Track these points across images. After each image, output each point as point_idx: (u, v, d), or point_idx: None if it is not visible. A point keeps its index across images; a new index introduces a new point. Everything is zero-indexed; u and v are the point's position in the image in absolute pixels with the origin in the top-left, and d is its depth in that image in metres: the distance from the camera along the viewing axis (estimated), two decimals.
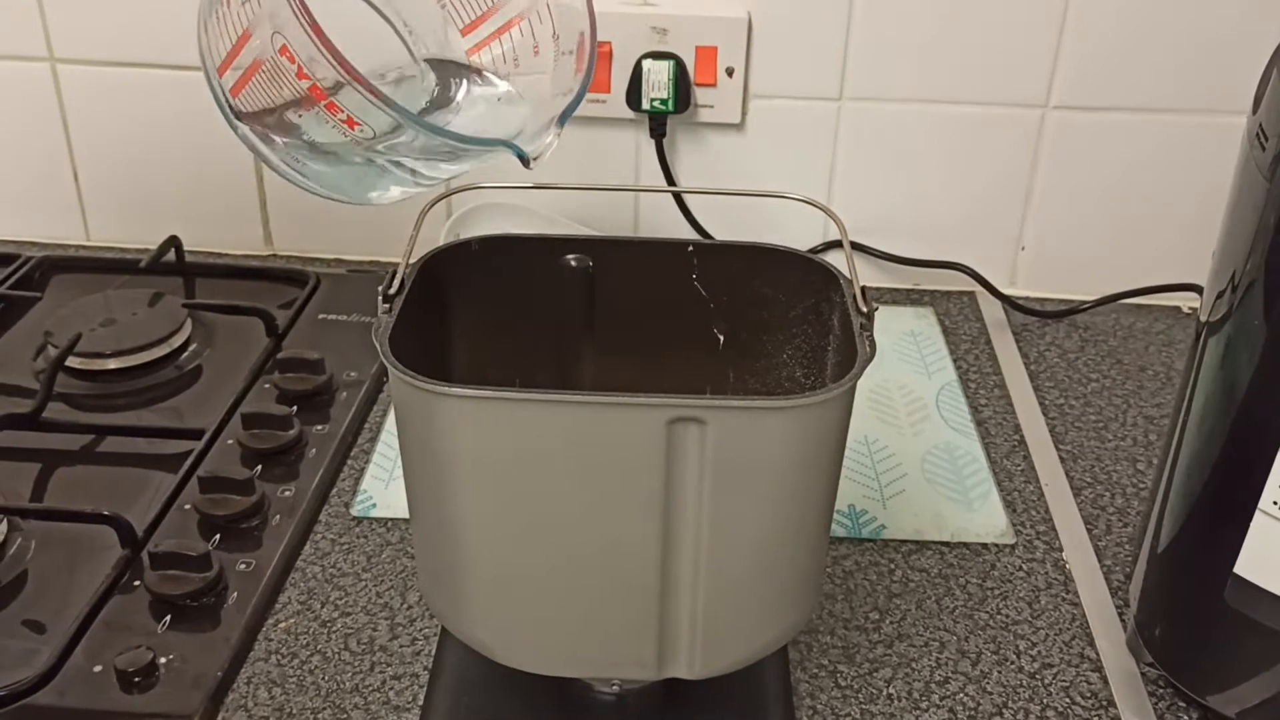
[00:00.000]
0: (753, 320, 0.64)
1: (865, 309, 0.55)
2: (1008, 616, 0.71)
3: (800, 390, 0.64)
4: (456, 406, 0.50)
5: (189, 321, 0.95)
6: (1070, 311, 1.03)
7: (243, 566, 0.72)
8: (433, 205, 0.62)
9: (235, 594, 0.70)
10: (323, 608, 0.71)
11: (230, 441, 0.82)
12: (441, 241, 0.99)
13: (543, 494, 0.52)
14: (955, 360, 0.96)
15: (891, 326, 1.00)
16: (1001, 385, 0.93)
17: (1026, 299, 1.04)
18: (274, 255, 1.09)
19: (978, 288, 1.04)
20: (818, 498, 0.54)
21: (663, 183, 1.03)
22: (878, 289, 1.06)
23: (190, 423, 0.85)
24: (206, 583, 0.69)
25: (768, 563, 0.54)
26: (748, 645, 0.57)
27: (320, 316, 0.97)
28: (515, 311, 0.64)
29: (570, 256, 0.63)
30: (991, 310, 1.03)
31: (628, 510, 0.52)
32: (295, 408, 0.85)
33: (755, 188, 1.03)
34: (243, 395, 0.87)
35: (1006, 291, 1.04)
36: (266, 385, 0.88)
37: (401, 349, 0.53)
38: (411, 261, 0.59)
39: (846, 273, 0.60)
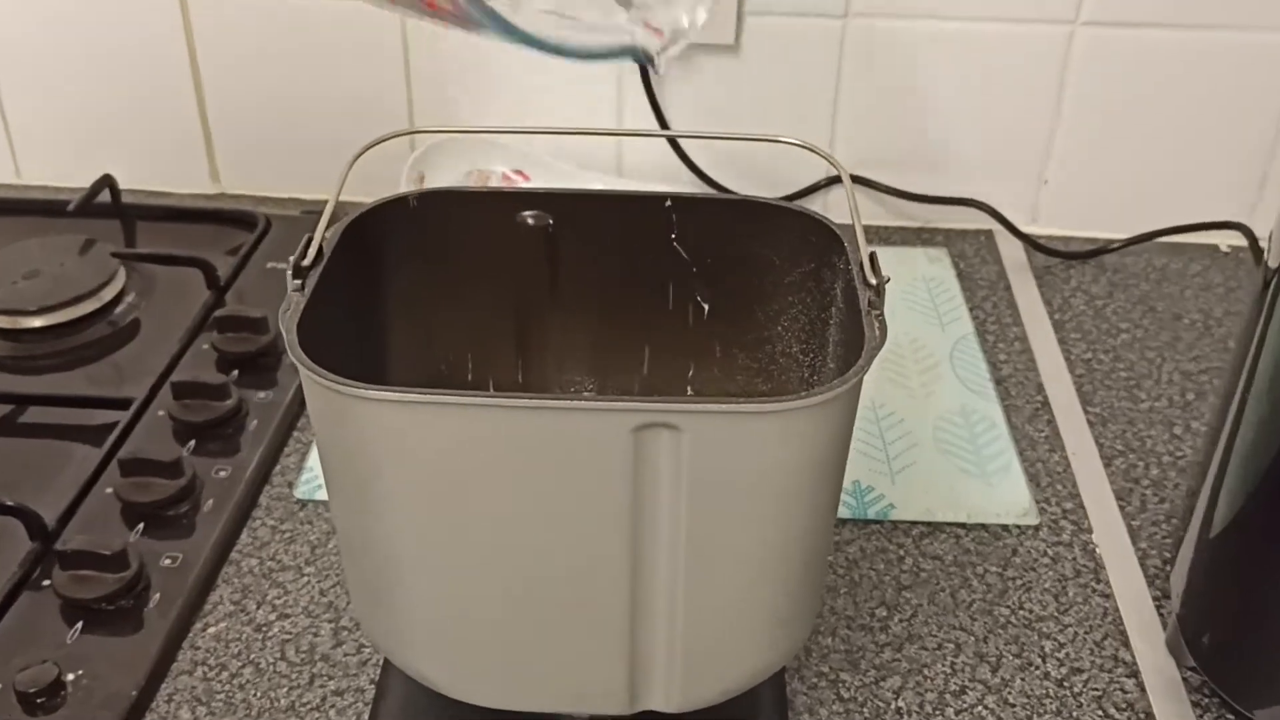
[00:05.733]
0: (742, 287, 0.55)
1: (875, 281, 0.46)
2: (1031, 612, 0.63)
3: (798, 368, 0.55)
4: (379, 412, 0.41)
5: (122, 271, 0.86)
6: (1098, 252, 0.93)
7: (168, 561, 0.64)
8: (365, 151, 0.53)
9: (158, 595, 0.62)
10: (258, 609, 0.63)
11: (161, 413, 0.73)
12: (403, 182, 0.90)
13: (488, 512, 0.43)
14: (972, 309, 0.87)
15: (901, 271, 0.91)
16: (1023, 338, 0.84)
17: (1049, 238, 0.95)
18: (222, 194, 0.99)
19: (996, 226, 0.95)
20: (814, 510, 0.45)
21: (648, 111, 0.93)
22: (885, 228, 0.97)
23: (120, 389, 0.76)
24: (123, 584, 0.61)
25: (756, 585, 0.46)
26: (732, 675, 0.48)
27: (269, 265, 0.88)
28: (464, 278, 0.55)
29: (527, 213, 0.53)
30: (1011, 251, 0.94)
31: (590, 528, 0.43)
32: (236, 371, 0.77)
33: (751, 115, 0.93)
34: (177, 358, 0.78)
35: (1027, 230, 0.94)
36: (205, 345, 0.79)
37: (324, 329, 0.44)
38: (337, 222, 0.50)
39: (851, 232, 0.50)
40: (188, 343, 0.79)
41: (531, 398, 0.40)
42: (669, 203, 0.53)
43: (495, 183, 0.94)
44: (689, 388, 0.57)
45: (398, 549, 0.45)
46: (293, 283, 0.46)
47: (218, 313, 0.79)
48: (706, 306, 0.55)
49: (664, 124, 0.94)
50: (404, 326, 0.55)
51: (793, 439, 0.41)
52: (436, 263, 0.54)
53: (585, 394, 0.57)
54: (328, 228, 0.49)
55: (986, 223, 0.95)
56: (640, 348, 0.57)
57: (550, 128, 0.53)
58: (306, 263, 0.46)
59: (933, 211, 0.96)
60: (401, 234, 0.53)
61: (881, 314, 0.45)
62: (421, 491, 0.43)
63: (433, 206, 0.53)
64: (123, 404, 0.74)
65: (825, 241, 0.51)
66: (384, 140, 0.52)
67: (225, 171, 0.98)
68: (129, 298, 0.85)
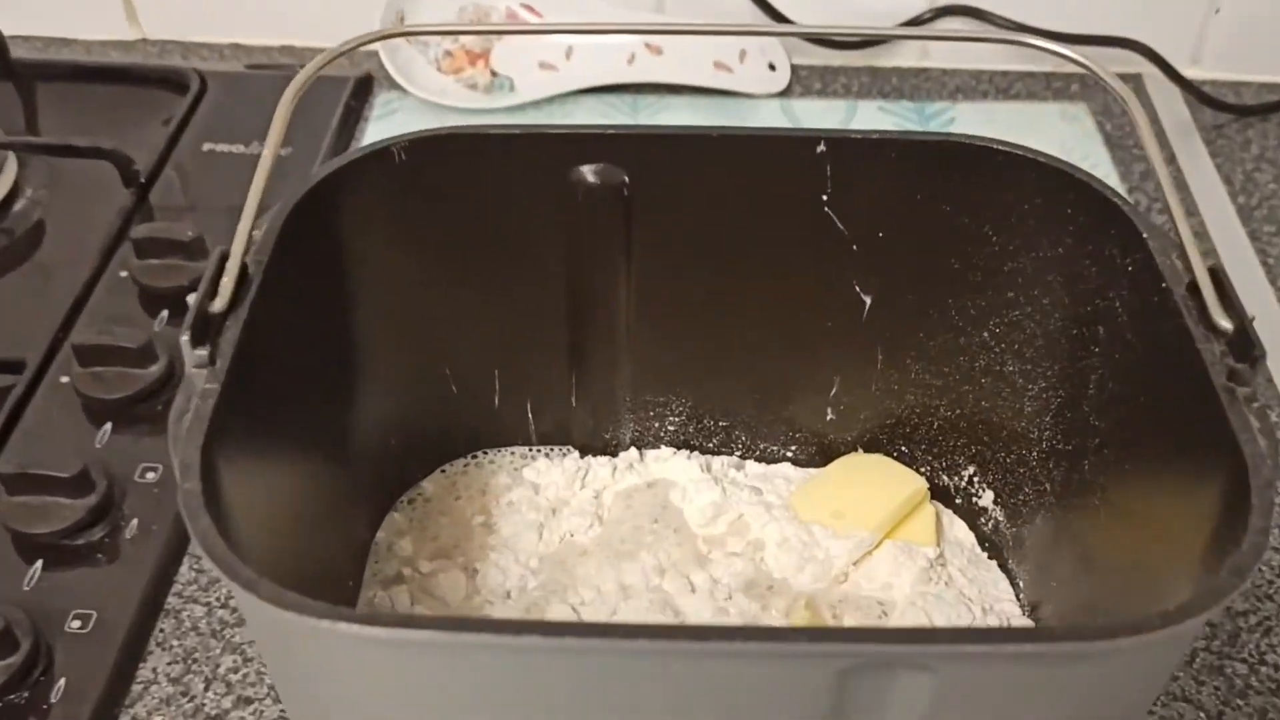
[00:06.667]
0: (928, 271, 0.35)
1: (1229, 323, 0.26)
2: None
3: (1012, 396, 0.35)
4: (366, 654, 0.22)
5: (12, 161, 0.65)
6: None
7: (76, 624, 0.45)
8: (324, 66, 0.32)
9: (63, 680, 0.44)
10: (207, 688, 0.45)
11: (65, 379, 0.54)
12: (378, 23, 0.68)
13: None
14: (1129, 190, 0.67)
15: (1030, 134, 0.70)
16: (1204, 233, 0.64)
17: (1218, 84, 0.73)
18: (143, 41, 0.77)
19: (1149, 68, 0.73)
20: None
21: None
22: (1004, 74, 0.75)
23: (8, 341, 0.56)
24: (13, 672, 0.43)
25: None
26: None
27: (205, 147, 0.67)
28: (488, 267, 0.35)
29: (586, 168, 0.33)
30: (1170, 103, 0.73)
31: None
32: (165, 313, 0.57)
33: None
34: (84, 299, 0.57)
35: (1189, 74, 0.73)
36: (123, 273, 0.59)
37: (256, 387, 0.25)
38: (273, 207, 0.29)
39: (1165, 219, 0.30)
40: (99, 270, 0.59)
41: (650, 633, 0.21)
42: (822, 147, 0.32)
43: (497, 19, 0.73)
44: (829, 410, 0.37)
45: None
46: (194, 354, 0.25)
47: (137, 231, 0.59)
48: (868, 299, 0.35)
49: None
50: (389, 338, 0.35)
51: (1106, 683, 0.23)
52: (440, 243, 0.34)
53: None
54: (256, 219, 0.28)
55: (1136, 64, 0.73)
56: (758, 353, 0.37)
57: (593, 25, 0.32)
58: (220, 307, 0.26)
59: (1066, 52, 0.74)
60: (384, 203, 0.33)
61: (1254, 395, 0.25)
62: None
63: (431, 158, 0.32)
64: (13, 366, 0.54)
65: (1096, 218, 0.31)
66: (356, 46, 0.31)
67: (145, 12, 0.76)
68: (26, 194, 0.65)
